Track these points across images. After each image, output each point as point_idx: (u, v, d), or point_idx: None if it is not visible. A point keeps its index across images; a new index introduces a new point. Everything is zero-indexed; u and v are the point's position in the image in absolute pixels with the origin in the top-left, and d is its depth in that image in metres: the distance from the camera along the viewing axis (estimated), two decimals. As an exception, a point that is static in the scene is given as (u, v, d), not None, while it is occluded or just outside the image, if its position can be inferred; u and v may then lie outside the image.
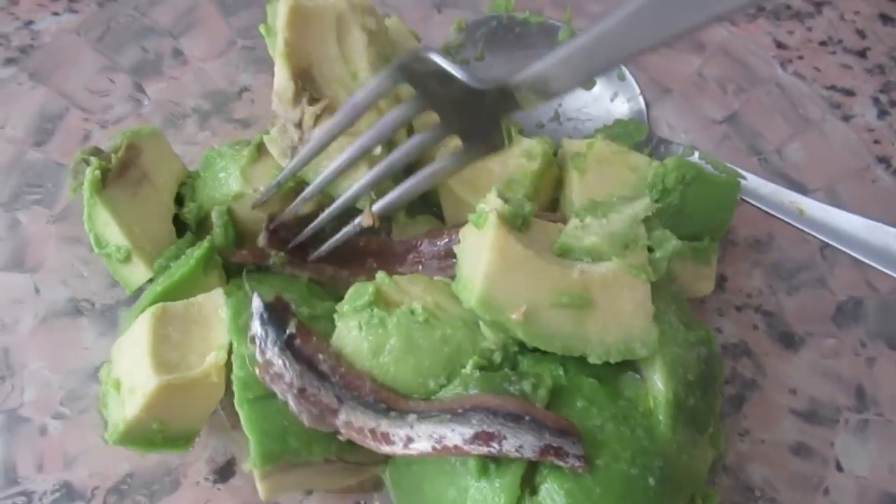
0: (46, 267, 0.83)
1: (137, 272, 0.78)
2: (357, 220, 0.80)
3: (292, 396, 0.66)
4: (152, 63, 1.02)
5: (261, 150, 0.84)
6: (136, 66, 1.01)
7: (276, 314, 0.68)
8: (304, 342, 0.67)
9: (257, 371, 0.68)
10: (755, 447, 0.82)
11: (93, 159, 0.78)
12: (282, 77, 0.81)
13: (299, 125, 0.80)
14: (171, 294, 0.75)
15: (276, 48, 0.81)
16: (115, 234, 0.77)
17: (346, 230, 0.81)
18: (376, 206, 0.79)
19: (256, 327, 0.67)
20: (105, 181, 0.77)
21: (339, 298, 0.76)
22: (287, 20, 0.81)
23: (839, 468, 0.79)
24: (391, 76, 0.72)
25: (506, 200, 0.72)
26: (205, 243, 0.78)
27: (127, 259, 0.77)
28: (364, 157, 0.78)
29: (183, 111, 1.03)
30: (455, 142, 0.76)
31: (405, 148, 0.75)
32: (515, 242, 0.69)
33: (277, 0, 0.91)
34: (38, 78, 0.93)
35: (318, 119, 0.81)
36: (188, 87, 1.04)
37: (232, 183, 0.82)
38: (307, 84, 0.81)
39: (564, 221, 0.77)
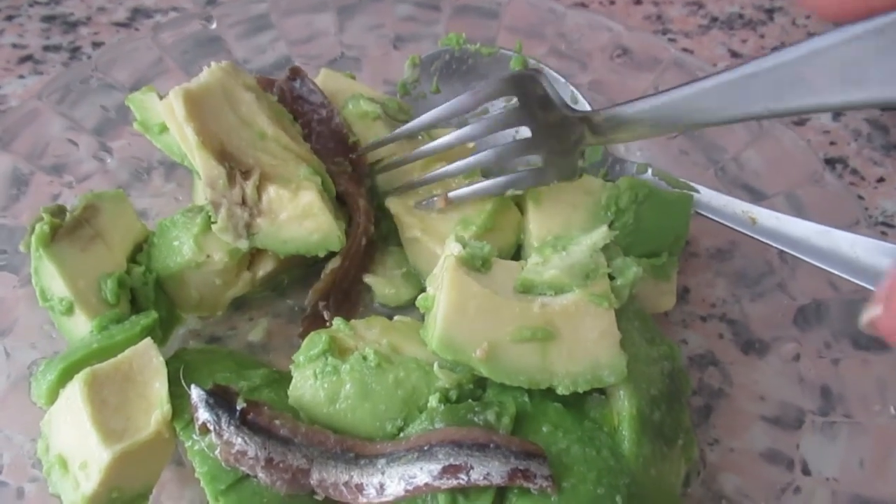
0: (16, 331, 0.85)
1: (79, 324, 0.78)
2: (435, 199, 0.88)
3: (261, 469, 0.66)
4: (114, 121, 1.04)
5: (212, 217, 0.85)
6: (99, 126, 1.03)
7: (221, 397, 0.68)
8: (256, 414, 0.68)
9: (220, 455, 0.67)
10: (725, 456, 0.84)
11: (45, 216, 0.79)
12: (209, 167, 0.81)
13: (243, 202, 0.82)
14: (105, 355, 0.74)
15: (189, 143, 0.82)
16: (59, 287, 0.78)
17: (424, 202, 0.89)
18: (453, 194, 0.87)
19: (205, 415, 0.67)
20: (55, 236, 0.79)
21: (268, 364, 0.79)
22: (186, 111, 0.81)
23: (807, 472, 0.80)
24: (501, 86, 0.80)
25: (464, 245, 0.74)
26: (152, 314, 0.79)
27: (69, 311, 0.78)
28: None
29: (149, 165, 1.05)
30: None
31: (499, 149, 0.83)
32: (473, 283, 0.71)
33: (143, 96, 0.93)
34: (2, 144, 0.96)
35: (258, 188, 0.82)
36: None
37: (185, 251, 0.84)
38: (230, 162, 0.82)
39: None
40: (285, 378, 0.78)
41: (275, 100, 0.94)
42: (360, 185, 0.93)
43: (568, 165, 0.81)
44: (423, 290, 0.92)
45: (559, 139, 0.80)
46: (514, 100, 0.82)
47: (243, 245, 0.83)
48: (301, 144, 0.90)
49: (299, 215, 0.83)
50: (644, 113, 0.71)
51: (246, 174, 0.82)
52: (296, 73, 0.99)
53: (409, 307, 0.93)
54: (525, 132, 0.82)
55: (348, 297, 0.93)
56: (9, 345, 0.83)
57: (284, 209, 0.83)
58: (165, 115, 0.85)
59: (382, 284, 0.93)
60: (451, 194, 0.87)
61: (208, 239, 0.84)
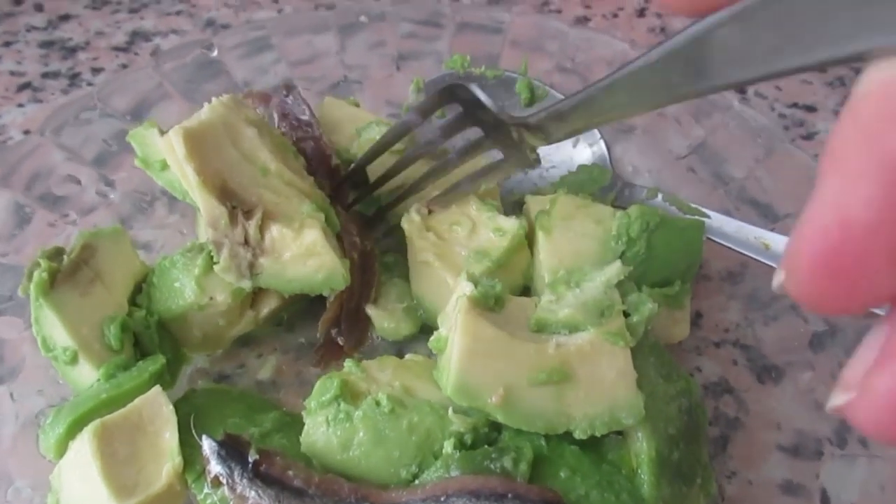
0: (23, 376, 0.83)
1: (84, 373, 0.77)
2: (414, 208, 0.89)
3: None
4: (115, 152, 1.03)
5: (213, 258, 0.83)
6: (100, 157, 1.02)
7: (233, 448, 0.67)
8: (269, 465, 0.66)
9: None
10: (743, 489, 0.82)
11: (42, 261, 0.78)
12: (210, 206, 0.80)
13: (246, 242, 0.80)
14: (114, 405, 0.72)
15: (190, 183, 0.80)
16: (61, 336, 0.76)
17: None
18: (432, 201, 0.90)
19: (217, 467, 0.65)
20: (54, 282, 0.77)
21: (278, 403, 0.81)
22: (186, 151, 0.80)
23: (827, 502, 0.79)
24: (440, 97, 0.84)
25: (476, 283, 0.73)
26: (159, 359, 0.78)
27: (73, 360, 0.76)
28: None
29: (152, 196, 1.04)
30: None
31: (460, 150, 0.86)
32: (487, 325, 0.70)
33: (145, 131, 0.92)
34: (3, 181, 0.94)
35: (261, 227, 0.81)
36: (154, 170, 1.05)
37: (188, 293, 0.82)
38: (232, 200, 0.81)
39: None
40: (297, 421, 0.77)
41: (278, 133, 0.92)
42: (340, 202, 0.93)
43: (524, 157, 0.81)
44: (423, 326, 0.91)
45: (506, 136, 0.80)
46: (459, 108, 0.84)
47: (246, 285, 0.82)
48: (305, 178, 0.89)
49: (303, 254, 0.82)
50: (575, 107, 0.67)
51: (248, 213, 0.81)
52: (289, 89, 1.00)
53: (408, 341, 0.93)
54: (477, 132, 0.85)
55: (359, 319, 0.92)
56: (16, 391, 0.82)
57: (288, 248, 0.82)
58: (166, 153, 0.84)
59: (383, 317, 0.91)
60: (430, 203, 0.90)
61: (210, 280, 0.82)
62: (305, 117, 0.98)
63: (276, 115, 0.98)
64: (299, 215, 0.83)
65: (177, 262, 0.84)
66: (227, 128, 0.84)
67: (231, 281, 0.81)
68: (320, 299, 0.89)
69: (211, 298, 0.82)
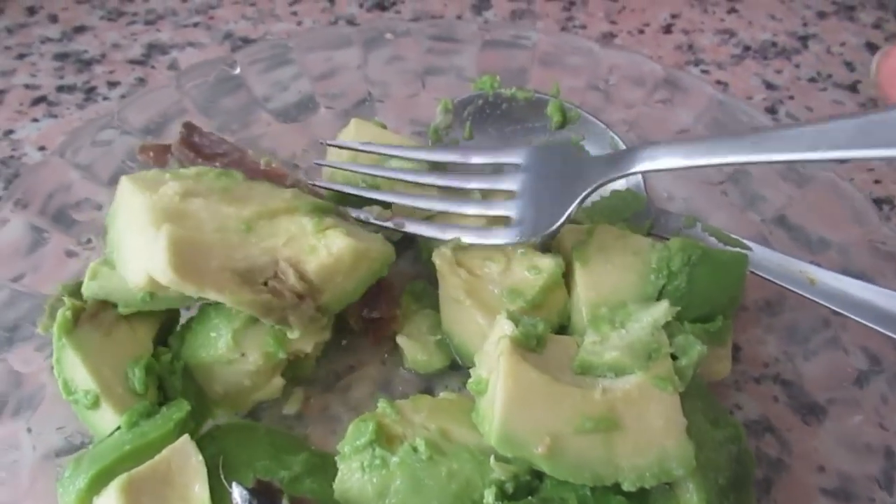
0: (41, 412, 0.80)
1: (106, 418, 0.73)
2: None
3: None
4: (132, 171, 0.98)
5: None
6: (118, 178, 0.99)
7: (265, 496, 0.63)
8: (302, 513, 0.64)
9: None
10: (789, 536, 0.79)
11: (66, 299, 0.74)
12: (250, 303, 0.73)
13: (276, 291, 0.74)
14: (139, 456, 0.69)
15: (219, 299, 0.72)
16: (82, 378, 0.73)
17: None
18: (411, 228, 0.88)
19: None
20: (77, 321, 0.74)
21: (306, 441, 0.78)
22: (169, 259, 0.70)
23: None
24: (513, 153, 0.89)
25: (517, 323, 0.70)
26: (184, 406, 0.74)
27: (95, 404, 0.72)
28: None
29: (171, 217, 1.01)
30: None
31: (482, 204, 0.87)
32: (531, 369, 0.66)
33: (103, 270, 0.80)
34: (21, 204, 0.91)
35: (296, 275, 0.76)
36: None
37: (220, 345, 0.78)
38: (257, 276, 0.75)
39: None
40: (327, 462, 0.74)
41: (211, 176, 0.83)
42: None
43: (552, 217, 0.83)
44: (453, 358, 0.88)
45: (552, 190, 0.84)
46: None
47: (324, 323, 0.79)
48: (277, 195, 0.82)
49: (350, 266, 0.78)
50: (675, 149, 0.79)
51: (276, 275, 0.75)
52: (191, 129, 0.91)
53: (438, 375, 0.90)
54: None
55: (382, 290, 0.88)
56: (34, 428, 0.78)
57: (333, 270, 0.77)
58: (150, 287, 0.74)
59: (416, 349, 0.88)
60: (408, 227, 0.88)
61: (247, 336, 0.78)
62: (223, 146, 0.90)
63: (183, 156, 0.88)
64: (310, 235, 0.78)
65: (221, 308, 0.78)
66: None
67: (324, 337, 0.81)
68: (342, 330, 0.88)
69: (242, 355, 0.77)
